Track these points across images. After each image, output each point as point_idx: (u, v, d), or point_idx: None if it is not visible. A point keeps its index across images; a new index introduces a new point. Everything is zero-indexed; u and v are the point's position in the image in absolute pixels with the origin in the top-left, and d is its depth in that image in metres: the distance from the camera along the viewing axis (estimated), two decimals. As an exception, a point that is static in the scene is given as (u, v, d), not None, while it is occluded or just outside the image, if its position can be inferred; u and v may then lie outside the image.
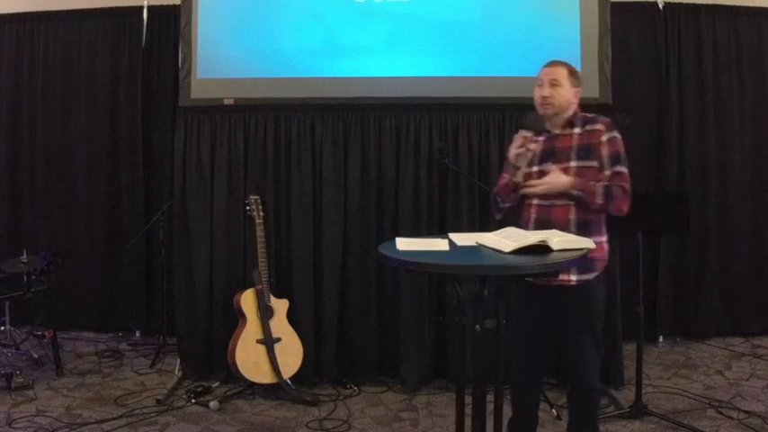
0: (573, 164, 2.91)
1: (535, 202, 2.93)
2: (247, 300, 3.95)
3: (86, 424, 3.55)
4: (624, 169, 2.93)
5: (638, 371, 3.64)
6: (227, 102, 4.19)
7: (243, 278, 4.13)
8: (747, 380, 4.20)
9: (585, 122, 2.99)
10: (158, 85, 5.10)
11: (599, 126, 2.95)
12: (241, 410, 3.79)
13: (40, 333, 4.45)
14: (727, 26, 5.00)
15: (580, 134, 2.96)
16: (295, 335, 4.02)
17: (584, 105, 4.01)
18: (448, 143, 4.13)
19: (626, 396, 3.84)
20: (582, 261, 2.45)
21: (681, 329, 5.05)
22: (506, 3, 4.20)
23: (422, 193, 4.13)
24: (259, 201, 4.03)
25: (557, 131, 2.98)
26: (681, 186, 4.92)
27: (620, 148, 2.95)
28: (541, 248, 2.36)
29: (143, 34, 5.06)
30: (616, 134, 2.96)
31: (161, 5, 5.03)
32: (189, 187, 4.18)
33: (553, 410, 3.61)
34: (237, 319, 3.99)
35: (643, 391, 3.66)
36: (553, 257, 2.34)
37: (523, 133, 2.89)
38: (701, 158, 5.00)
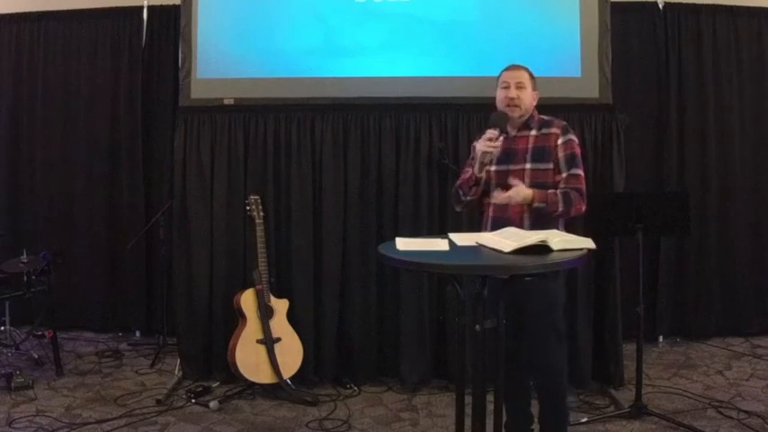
0: (528, 166, 3.00)
1: (493, 201, 3.02)
2: (247, 300, 3.95)
3: (86, 424, 3.55)
4: (579, 171, 3.02)
5: (638, 371, 3.65)
6: (227, 102, 4.19)
7: (243, 278, 4.13)
8: (747, 380, 4.20)
9: (542, 125, 3.07)
10: (158, 85, 5.10)
11: (554, 129, 3.04)
12: (241, 410, 3.79)
13: (40, 333, 4.45)
14: (727, 26, 5.00)
15: (536, 136, 3.05)
16: (295, 335, 4.02)
17: (584, 105, 4.07)
18: (448, 143, 4.13)
19: (626, 396, 3.84)
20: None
21: (681, 329, 5.05)
22: (506, 3, 4.20)
23: (422, 193, 4.13)
24: (259, 201, 4.03)
25: (513, 133, 3.06)
26: (681, 186, 4.93)
27: (576, 150, 3.04)
28: (541, 248, 2.36)
29: (143, 34, 5.06)
30: (572, 137, 3.05)
31: (161, 5, 5.04)
32: (189, 187, 4.18)
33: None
34: (237, 319, 3.99)
35: (643, 391, 3.66)
36: (553, 257, 2.34)
37: (490, 132, 2.94)
38: (701, 158, 5.01)
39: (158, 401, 3.84)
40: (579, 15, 4.10)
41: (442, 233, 2.88)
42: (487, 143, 2.91)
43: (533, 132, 3.05)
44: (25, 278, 4.18)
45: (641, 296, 3.63)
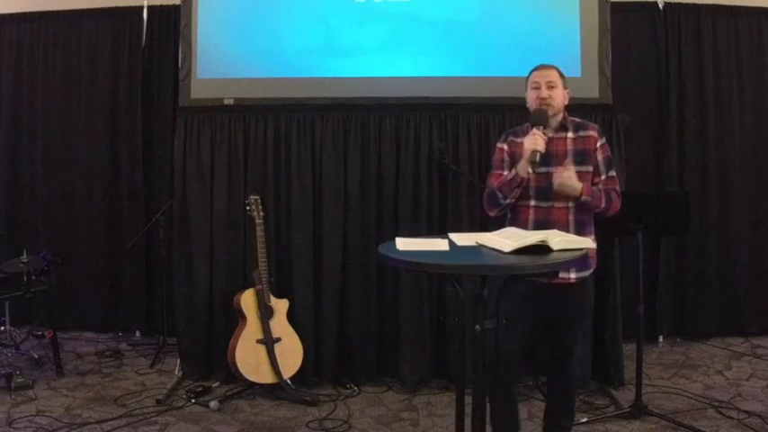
0: (571, 168, 2.97)
1: (532, 203, 3.00)
2: (247, 300, 3.95)
3: (86, 424, 3.55)
4: (615, 173, 3.09)
5: (639, 371, 3.65)
6: (227, 102, 4.19)
7: (243, 278, 4.13)
8: (747, 380, 4.20)
9: (577, 127, 3.06)
10: (158, 85, 5.10)
11: (592, 132, 3.05)
12: (241, 410, 3.79)
13: (40, 333, 4.46)
14: (727, 26, 5.00)
15: (574, 139, 3.04)
16: (295, 335, 4.02)
17: (584, 105, 4.07)
18: (448, 143, 4.13)
19: (626, 396, 3.85)
20: (581, 260, 2.49)
21: (681, 329, 5.06)
22: (506, 3, 4.20)
23: (422, 193, 4.13)
24: (259, 201, 4.03)
25: (550, 134, 3.01)
26: (681, 186, 4.93)
27: (610, 152, 3.11)
28: (541, 248, 2.36)
29: (143, 34, 5.06)
30: (605, 139, 3.09)
31: (161, 5, 5.04)
32: (189, 187, 4.18)
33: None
34: (237, 319, 3.99)
35: (643, 391, 3.66)
36: (553, 257, 2.34)
37: (535, 131, 2.91)
38: (701, 158, 5.01)
39: (158, 401, 3.84)
40: (579, 15, 4.10)
41: (441, 233, 2.87)
42: (536, 139, 2.86)
43: (570, 134, 3.03)
44: (25, 278, 4.18)
45: (641, 296, 3.63)
